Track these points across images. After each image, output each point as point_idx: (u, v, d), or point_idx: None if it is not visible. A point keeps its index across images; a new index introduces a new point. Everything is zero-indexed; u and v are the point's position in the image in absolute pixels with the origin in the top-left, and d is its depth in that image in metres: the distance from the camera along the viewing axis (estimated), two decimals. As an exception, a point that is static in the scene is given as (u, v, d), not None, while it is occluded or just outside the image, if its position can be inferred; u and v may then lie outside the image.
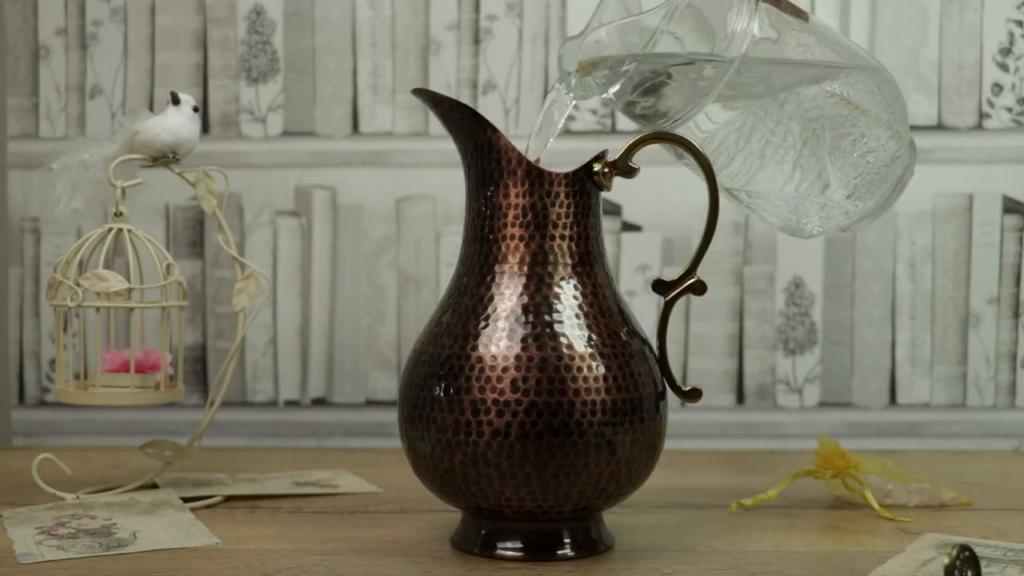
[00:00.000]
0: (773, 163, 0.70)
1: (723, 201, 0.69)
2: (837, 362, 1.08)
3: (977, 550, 0.67)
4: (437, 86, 1.07)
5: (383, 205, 1.08)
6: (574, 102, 0.71)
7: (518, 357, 0.65)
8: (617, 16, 0.70)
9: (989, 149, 1.07)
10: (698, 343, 1.08)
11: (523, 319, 0.66)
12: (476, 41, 1.07)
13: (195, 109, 0.84)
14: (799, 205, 0.71)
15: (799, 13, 0.69)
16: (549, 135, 0.72)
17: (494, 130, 0.67)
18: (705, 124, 0.71)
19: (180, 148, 0.83)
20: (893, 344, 1.08)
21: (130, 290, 0.80)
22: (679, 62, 0.67)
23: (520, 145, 0.68)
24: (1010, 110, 1.07)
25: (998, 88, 1.07)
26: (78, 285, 0.80)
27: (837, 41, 0.71)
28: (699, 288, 0.71)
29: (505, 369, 0.65)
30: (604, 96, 0.69)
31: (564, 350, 0.65)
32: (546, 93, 1.06)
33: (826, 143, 0.69)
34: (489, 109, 1.07)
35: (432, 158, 1.07)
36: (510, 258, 0.67)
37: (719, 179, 0.71)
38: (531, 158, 0.70)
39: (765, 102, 0.69)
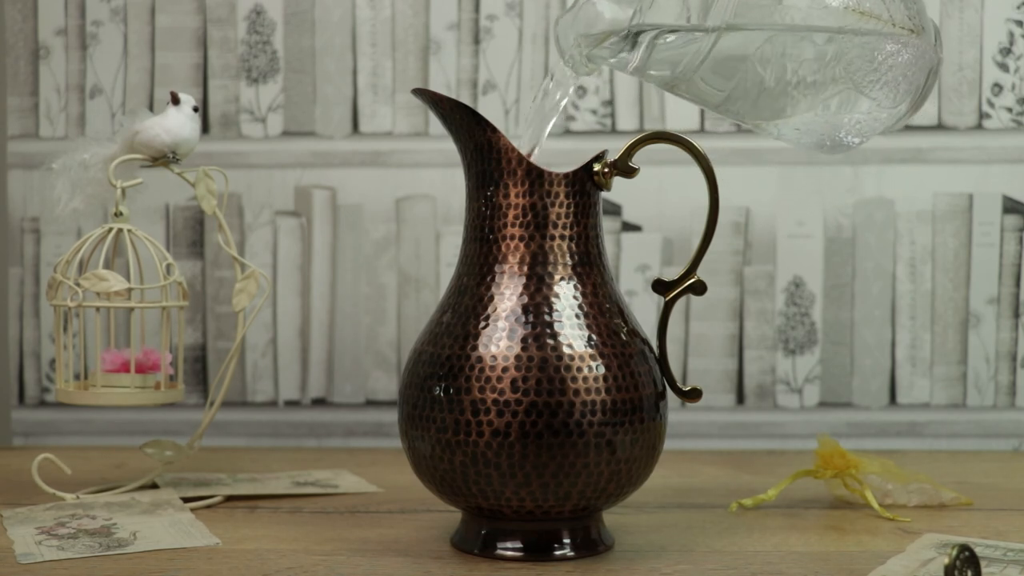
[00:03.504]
0: (798, 94, 0.68)
1: (723, 201, 0.68)
2: (837, 362, 1.08)
3: (977, 550, 0.67)
4: (437, 86, 1.07)
5: (383, 205, 1.08)
6: (577, 81, 0.70)
7: (518, 357, 0.65)
8: None
9: (989, 149, 1.07)
10: (698, 343, 1.08)
11: (523, 319, 0.66)
12: (476, 41, 1.07)
13: (195, 109, 0.84)
14: (832, 125, 0.69)
15: None
16: (546, 122, 0.70)
17: (494, 130, 0.67)
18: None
19: (180, 148, 0.83)
20: (893, 344, 1.08)
21: (130, 290, 0.80)
22: (666, 30, 0.66)
23: (520, 145, 0.68)
24: (1010, 110, 1.07)
25: (998, 88, 1.07)
26: (78, 285, 0.80)
27: None
28: (699, 288, 0.71)
29: (505, 369, 0.65)
30: (620, 70, 0.68)
31: (564, 350, 0.65)
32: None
33: (845, 61, 0.67)
34: (489, 109, 1.07)
35: (432, 158, 1.07)
36: (510, 258, 0.67)
37: (745, 122, 0.69)
38: (524, 150, 0.69)
39: (783, 37, 0.67)
